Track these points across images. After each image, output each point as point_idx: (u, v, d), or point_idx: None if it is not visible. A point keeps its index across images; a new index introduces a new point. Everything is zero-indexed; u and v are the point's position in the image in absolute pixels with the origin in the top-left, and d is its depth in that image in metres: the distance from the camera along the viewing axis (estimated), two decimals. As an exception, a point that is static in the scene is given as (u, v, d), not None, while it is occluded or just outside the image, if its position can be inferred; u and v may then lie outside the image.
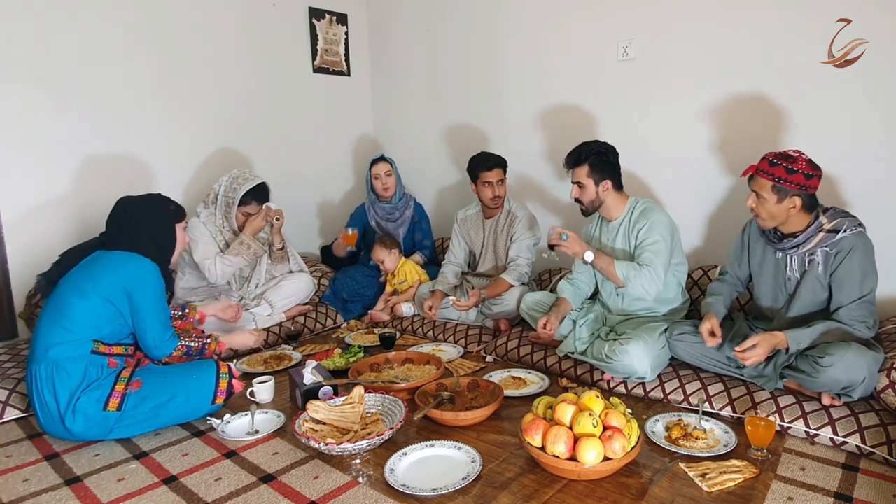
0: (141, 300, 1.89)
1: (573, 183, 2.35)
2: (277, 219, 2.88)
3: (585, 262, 2.28)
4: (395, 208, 3.37)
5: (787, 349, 1.87)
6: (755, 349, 1.84)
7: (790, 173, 1.82)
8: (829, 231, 1.87)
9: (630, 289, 2.20)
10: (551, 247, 2.30)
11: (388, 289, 3.26)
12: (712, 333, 1.97)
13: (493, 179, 2.86)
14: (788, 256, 1.97)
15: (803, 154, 1.86)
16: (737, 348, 1.88)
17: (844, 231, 1.84)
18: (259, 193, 2.78)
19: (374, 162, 3.34)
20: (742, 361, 1.88)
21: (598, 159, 2.28)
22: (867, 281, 1.84)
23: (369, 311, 3.21)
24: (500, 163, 2.89)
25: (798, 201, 1.85)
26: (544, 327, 2.38)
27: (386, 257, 3.19)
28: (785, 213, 1.88)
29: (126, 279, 1.88)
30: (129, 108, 2.96)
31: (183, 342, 2.00)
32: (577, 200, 2.38)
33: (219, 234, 2.79)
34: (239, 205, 2.74)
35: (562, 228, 2.28)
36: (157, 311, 1.93)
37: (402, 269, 3.22)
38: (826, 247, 1.87)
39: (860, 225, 1.87)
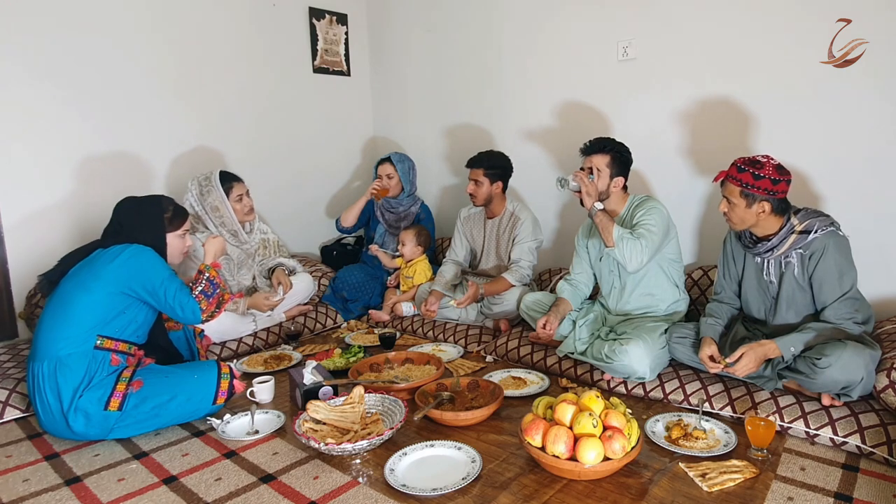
0: (150, 277, 1.91)
1: (585, 168, 2.35)
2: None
3: (593, 210, 2.26)
4: (400, 203, 3.39)
5: (783, 357, 1.87)
6: (742, 360, 1.86)
7: (757, 179, 1.84)
8: (800, 233, 1.89)
9: (617, 252, 2.21)
10: (568, 184, 2.32)
11: (403, 271, 3.25)
12: (713, 359, 1.98)
13: (471, 177, 2.93)
14: (765, 261, 2.00)
15: (772, 159, 1.88)
16: (727, 360, 1.90)
17: (816, 232, 1.86)
18: (227, 175, 2.78)
19: (380, 162, 3.37)
20: (733, 374, 1.90)
21: (620, 155, 2.33)
22: (846, 278, 1.86)
23: (370, 311, 3.21)
24: (476, 162, 2.91)
25: (767, 206, 1.87)
26: (543, 327, 2.38)
27: (410, 243, 3.20)
28: (754, 218, 1.91)
29: (129, 264, 1.90)
30: (128, 109, 2.96)
31: (195, 292, 1.99)
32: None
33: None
34: (227, 196, 2.72)
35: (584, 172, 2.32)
36: (169, 281, 1.94)
37: (416, 264, 3.23)
38: (800, 248, 1.89)
39: (832, 224, 1.88)
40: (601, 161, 2.32)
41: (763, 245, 1.96)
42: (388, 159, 3.36)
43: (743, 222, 1.95)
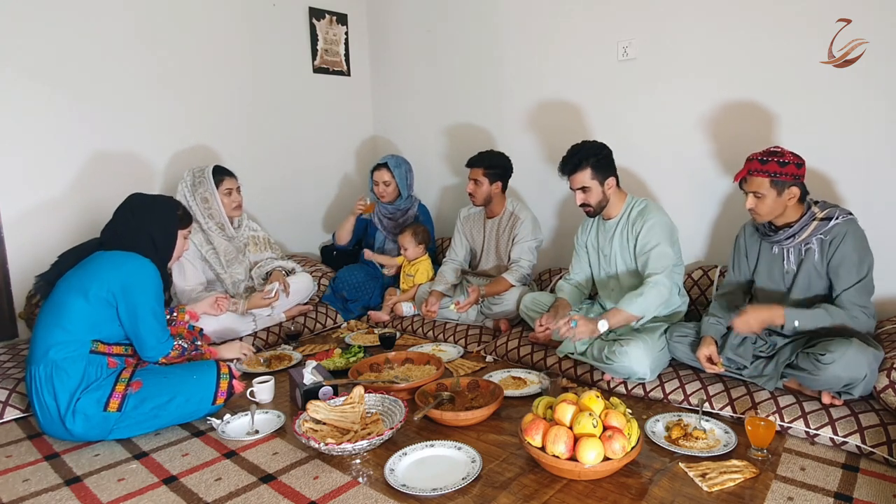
0: (139, 299, 1.88)
1: (576, 189, 2.32)
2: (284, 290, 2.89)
3: (602, 335, 2.18)
4: (398, 209, 3.37)
5: (783, 326, 1.88)
6: (743, 315, 1.90)
7: (783, 166, 1.88)
8: (821, 219, 1.92)
9: (648, 314, 2.18)
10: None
11: (405, 269, 3.25)
12: (710, 360, 1.99)
13: (471, 177, 2.92)
14: (785, 249, 2.01)
15: (784, 147, 1.93)
16: (730, 322, 1.94)
17: (837, 218, 1.90)
18: (220, 168, 2.81)
19: (376, 168, 3.32)
20: (735, 331, 1.95)
21: (597, 160, 2.27)
22: (864, 262, 1.89)
23: (369, 312, 3.21)
24: (476, 162, 2.91)
25: (796, 191, 1.91)
26: (541, 326, 2.37)
27: (411, 246, 3.19)
28: (783, 206, 1.94)
29: (125, 277, 1.87)
30: (129, 108, 2.96)
31: (178, 342, 2.00)
32: (583, 205, 2.35)
33: (206, 245, 2.77)
34: (217, 188, 2.75)
35: (568, 317, 2.15)
36: (155, 310, 1.92)
37: (419, 263, 3.22)
38: (821, 234, 1.92)
39: (850, 213, 1.92)
40: (584, 177, 2.26)
41: (784, 232, 1.98)
42: (384, 165, 3.27)
43: (772, 213, 1.96)
